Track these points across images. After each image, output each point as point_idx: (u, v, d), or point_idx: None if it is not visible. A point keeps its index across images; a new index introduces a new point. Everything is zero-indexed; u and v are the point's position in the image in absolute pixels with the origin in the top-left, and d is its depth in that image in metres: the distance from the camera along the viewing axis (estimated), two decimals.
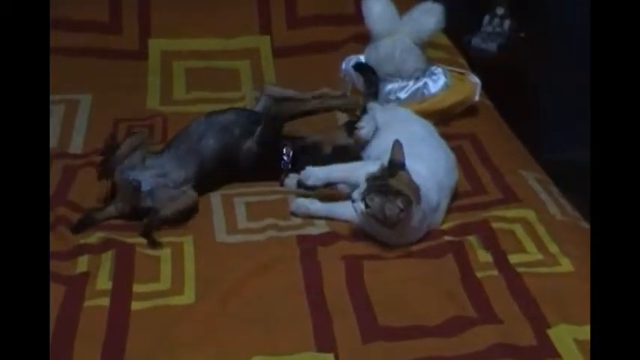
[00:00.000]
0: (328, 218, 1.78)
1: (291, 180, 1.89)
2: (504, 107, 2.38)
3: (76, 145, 2.08)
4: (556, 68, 2.95)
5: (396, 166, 1.67)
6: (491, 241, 1.71)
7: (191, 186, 1.83)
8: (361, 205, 1.65)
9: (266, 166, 1.93)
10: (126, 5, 2.58)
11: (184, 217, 1.79)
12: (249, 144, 1.92)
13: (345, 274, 1.61)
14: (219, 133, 1.90)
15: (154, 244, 1.70)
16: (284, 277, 1.61)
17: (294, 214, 1.79)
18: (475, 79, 2.25)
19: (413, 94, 2.19)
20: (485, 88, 2.29)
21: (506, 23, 2.92)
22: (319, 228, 1.76)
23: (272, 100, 2.03)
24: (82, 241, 1.69)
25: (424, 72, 2.21)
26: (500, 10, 2.93)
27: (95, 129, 2.15)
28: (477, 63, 2.63)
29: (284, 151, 1.94)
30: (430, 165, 1.78)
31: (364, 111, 2.00)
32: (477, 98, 2.23)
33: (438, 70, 2.22)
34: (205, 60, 2.50)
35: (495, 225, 1.76)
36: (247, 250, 1.69)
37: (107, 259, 1.64)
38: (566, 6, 2.92)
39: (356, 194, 1.68)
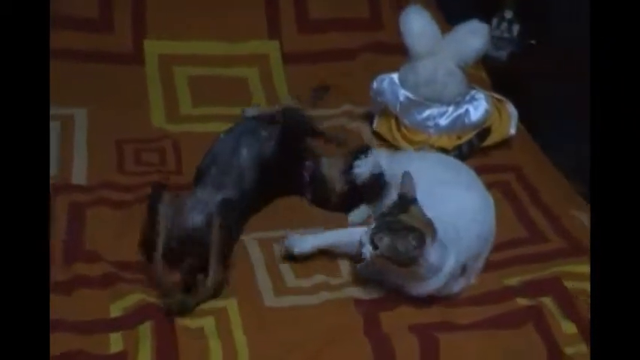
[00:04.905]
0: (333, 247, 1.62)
1: (358, 214, 1.75)
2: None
3: (80, 174, 1.81)
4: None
5: (406, 200, 1.52)
6: (569, 305, 1.55)
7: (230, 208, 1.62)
8: (369, 248, 1.48)
9: (290, 178, 1.83)
10: (117, 0, 2.27)
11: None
12: (273, 146, 1.79)
13: (420, 351, 1.43)
14: (249, 139, 1.77)
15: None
16: (352, 354, 1.41)
17: (289, 252, 1.60)
18: (512, 110, 2.06)
19: (453, 122, 2.00)
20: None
21: (515, 28, 2.74)
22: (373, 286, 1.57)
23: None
24: (112, 315, 1.44)
25: (464, 97, 2.02)
26: (508, 14, 2.74)
27: (98, 152, 1.88)
28: (486, 71, 2.43)
29: (305, 165, 1.83)
30: (451, 208, 1.60)
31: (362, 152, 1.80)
32: (512, 131, 2.05)
33: (480, 95, 2.03)
34: (209, 67, 2.23)
35: (570, 285, 1.60)
36: (303, 318, 1.49)
37: (145, 334, 1.40)
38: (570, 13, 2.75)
39: (364, 237, 1.50)
